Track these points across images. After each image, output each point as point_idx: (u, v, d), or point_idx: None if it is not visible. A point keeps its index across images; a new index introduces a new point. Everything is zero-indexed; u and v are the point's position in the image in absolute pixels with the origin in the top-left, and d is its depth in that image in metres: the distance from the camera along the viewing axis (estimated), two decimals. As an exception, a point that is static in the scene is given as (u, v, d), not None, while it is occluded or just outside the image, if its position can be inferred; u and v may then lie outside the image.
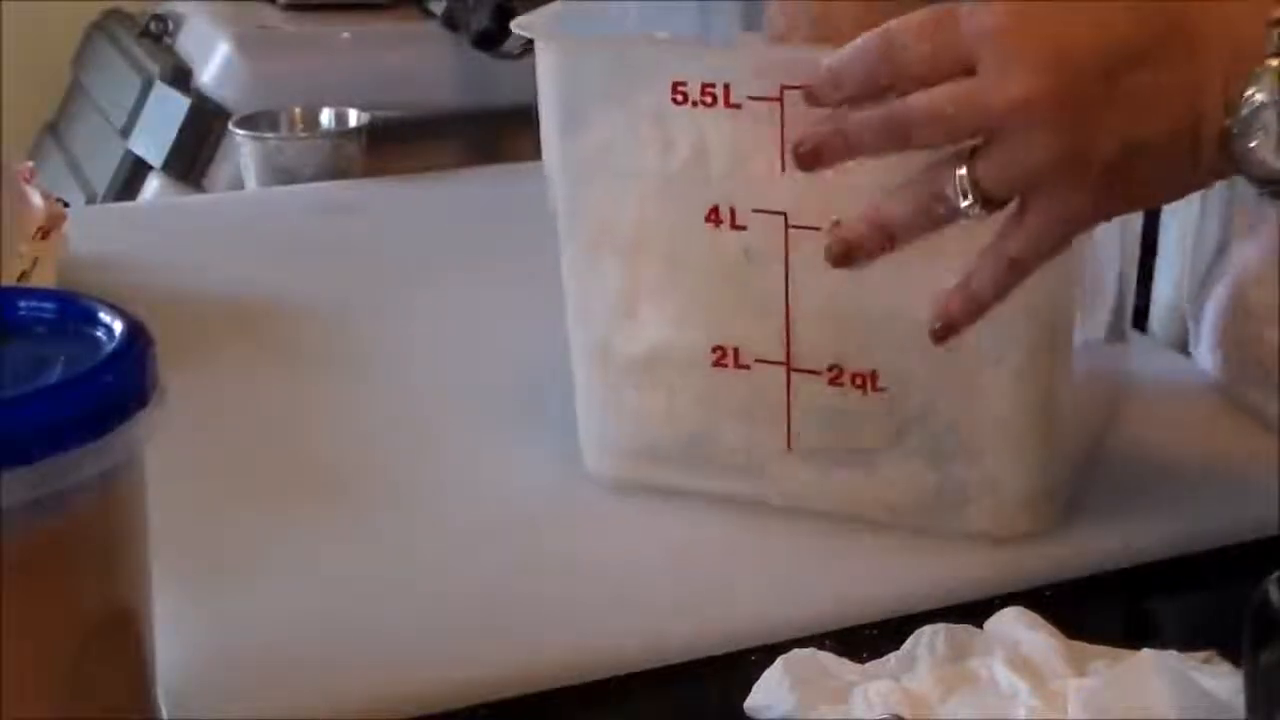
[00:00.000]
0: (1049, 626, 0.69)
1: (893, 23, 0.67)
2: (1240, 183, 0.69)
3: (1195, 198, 0.92)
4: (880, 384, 0.77)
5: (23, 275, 1.01)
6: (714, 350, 0.80)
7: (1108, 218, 0.71)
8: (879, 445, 0.79)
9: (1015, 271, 0.69)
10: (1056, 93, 0.64)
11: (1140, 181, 0.68)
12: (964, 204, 0.67)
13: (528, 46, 0.82)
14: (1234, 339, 0.92)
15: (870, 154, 0.69)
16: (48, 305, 0.63)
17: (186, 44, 2.12)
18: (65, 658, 0.58)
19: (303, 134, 1.41)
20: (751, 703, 0.68)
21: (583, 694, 0.71)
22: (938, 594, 0.75)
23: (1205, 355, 0.94)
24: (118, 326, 0.60)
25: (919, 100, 0.67)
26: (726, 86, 0.75)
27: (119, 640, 0.61)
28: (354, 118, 1.41)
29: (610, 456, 0.85)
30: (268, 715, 0.68)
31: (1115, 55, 0.65)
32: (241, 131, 1.38)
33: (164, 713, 0.65)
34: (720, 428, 0.81)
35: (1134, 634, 0.69)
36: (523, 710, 0.70)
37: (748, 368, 0.80)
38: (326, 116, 1.42)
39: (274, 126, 1.41)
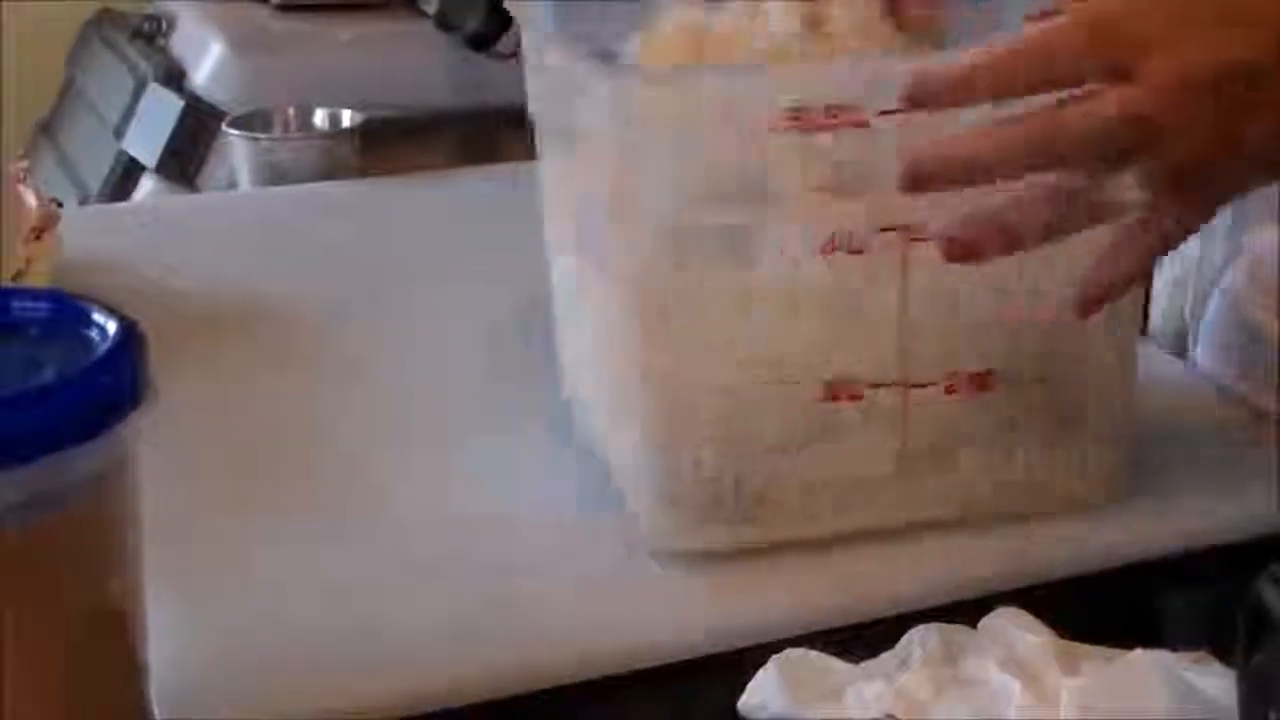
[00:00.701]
0: (1043, 626, 0.69)
1: (1038, 30, 0.68)
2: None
3: None
4: (994, 381, 0.77)
5: (16, 275, 1.01)
6: (824, 387, 0.76)
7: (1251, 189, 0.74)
8: (990, 442, 0.78)
9: (1168, 248, 0.73)
10: (1218, 100, 0.67)
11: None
12: (1141, 199, 0.69)
13: (519, 47, 0.81)
14: (1237, 334, 0.92)
15: (1006, 174, 0.69)
16: (41, 305, 0.63)
17: (180, 44, 2.12)
18: (58, 658, 0.58)
19: (296, 134, 1.41)
20: (745, 703, 0.68)
21: (579, 694, 0.71)
22: (932, 594, 0.75)
23: (1205, 352, 0.94)
24: (111, 327, 0.60)
25: (1077, 111, 0.67)
26: (853, 106, 0.71)
27: (113, 640, 0.61)
28: (347, 118, 1.41)
29: (681, 522, 0.78)
30: (266, 715, 0.68)
31: (1257, 70, 0.67)
32: (235, 132, 1.37)
33: (159, 713, 0.65)
34: (817, 469, 0.77)
35: (1127, 634, 0.69)
36: (520, 710, 0.70)
37: (860, 398, 0.76)
38: (320, 117, 1.42)
39: (267, 127, 1.40)
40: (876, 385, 0.77)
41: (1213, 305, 0.94)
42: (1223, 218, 0.93)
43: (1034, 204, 0.70)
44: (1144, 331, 1.01)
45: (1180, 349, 0.98)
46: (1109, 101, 0.67)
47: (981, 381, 0.77)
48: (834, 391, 0.76)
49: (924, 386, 0.77)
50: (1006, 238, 0.70)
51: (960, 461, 0.79)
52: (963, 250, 0.70)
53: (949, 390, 0.77)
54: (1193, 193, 0.70)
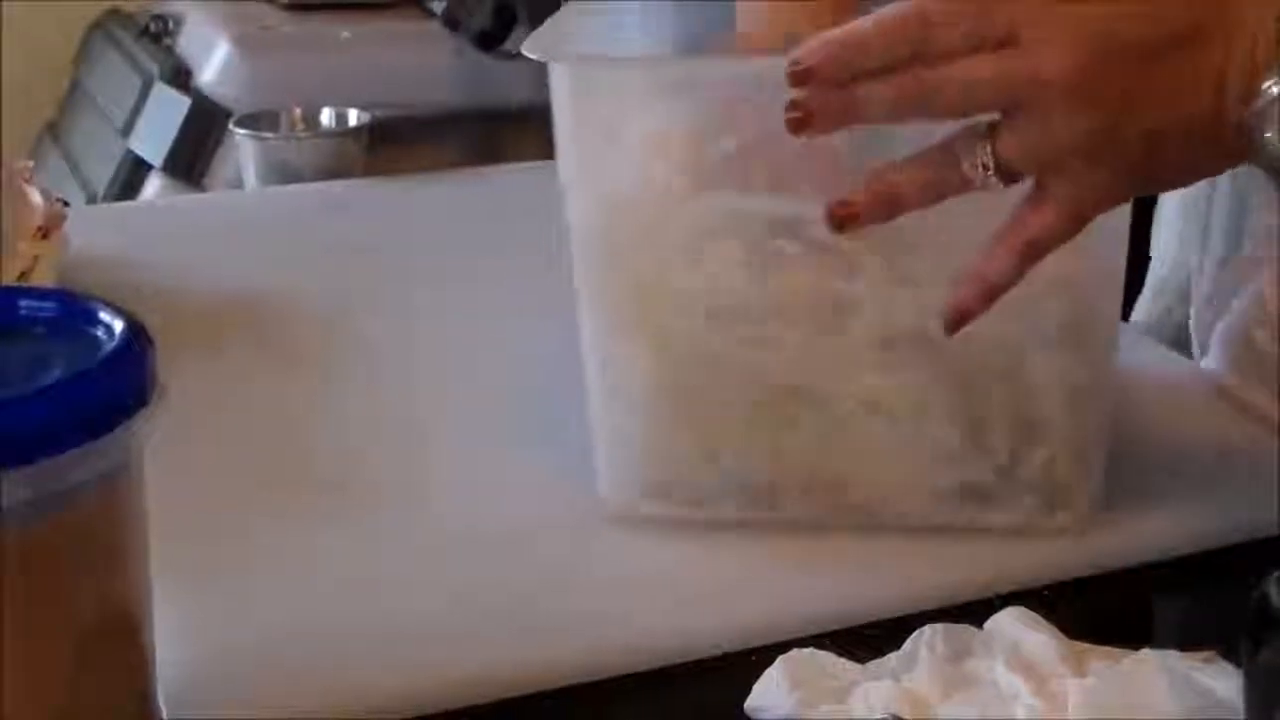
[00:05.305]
0: (1049, 626, 0.69)
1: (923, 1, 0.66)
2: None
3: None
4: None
5: (22, 274, 1.01)
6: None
7: (1126, 199, 0.70)
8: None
9: (1031, 255, 0.68)
10: (1095, 73, 0.64)
11: (1161, 164, 0.68)
12: (984, 175, 0.66)
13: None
14: (1246, 351, 0.91)
15: (876, 120, 0.68)
16: (48, 304, 0.63)
17: (186, 44, 2.12)
18: (65, 658, 0.58)
19: (303, 133, 1.41)
20: (751, 703, 0.68)
21: (582, 694, 0.71)
22: (938, 594, 0.75)
23: (1216, 356, 0.94)
24: (118, 326, 0.60)
25: (951, 69, 0.65)
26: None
27: (119, 640, 0.61)
28: (354, 117, 1.41)
29: None
30: (268, 715, 0.68)
31: (1155, 41, 0.65)
32: (242, 131, 1.38)
33: (164, 713, 0.65)
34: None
35: (1134, 634, 0.69)
36: (522, 710, 0.70)
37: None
38: (327, 116, 1.42)
39: (274, 126, 1.41)
40: None
41: (1232, 308, 0.93)
42: (1217, 228, 0.93)
43: (912, 165, 0.68)
44: (1124, 318, 1.00)
45: (1176, 344, 0.97)
46: (982, 61, 0.65)
47: None
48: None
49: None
50: (887, 199, 0.68)
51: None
52: (844, 215, 0.69)
53: None
54: (1063, 186, 0.67)
